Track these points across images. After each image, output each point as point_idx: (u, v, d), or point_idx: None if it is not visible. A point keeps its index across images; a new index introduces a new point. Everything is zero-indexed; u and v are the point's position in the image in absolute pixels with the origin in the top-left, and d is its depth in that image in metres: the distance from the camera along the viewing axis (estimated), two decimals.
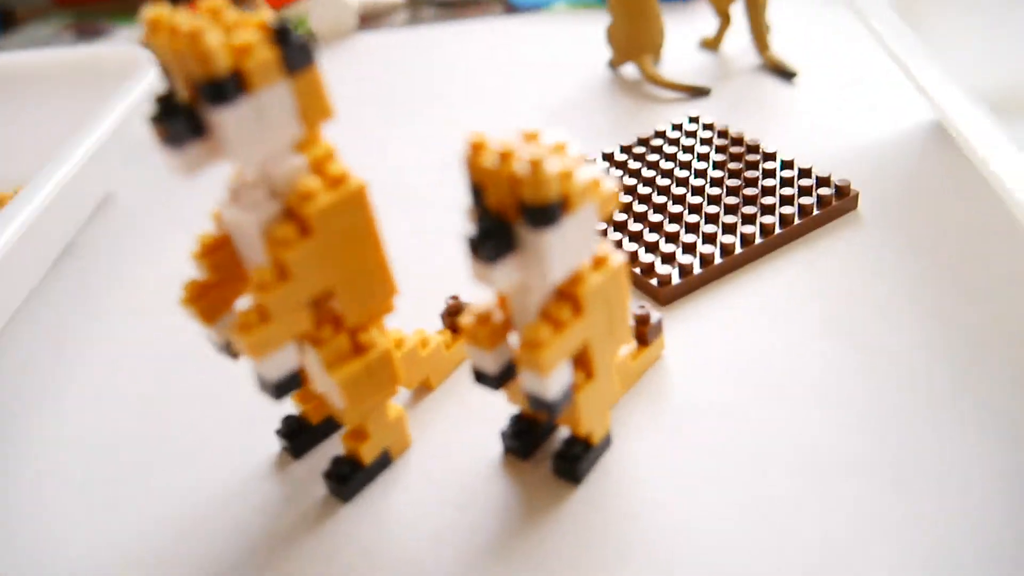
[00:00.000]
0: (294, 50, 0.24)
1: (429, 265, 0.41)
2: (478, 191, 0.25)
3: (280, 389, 0.26)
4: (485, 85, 0.59)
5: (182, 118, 0.23)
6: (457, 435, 0.32)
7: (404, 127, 0.55)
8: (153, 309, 0.41)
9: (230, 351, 0.29)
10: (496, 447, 0.31)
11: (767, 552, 0.26)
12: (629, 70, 0.58)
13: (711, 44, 0.58)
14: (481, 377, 0.28)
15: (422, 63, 0.64)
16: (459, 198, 0.46)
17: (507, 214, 0.24)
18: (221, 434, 0.34)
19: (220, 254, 0.27)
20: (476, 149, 0.24)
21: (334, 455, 0.31)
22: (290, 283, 0.25)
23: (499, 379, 0.27)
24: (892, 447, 0.29)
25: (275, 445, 0.33)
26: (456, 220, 0.44)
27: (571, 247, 0.25)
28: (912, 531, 0.26)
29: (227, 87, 0.23)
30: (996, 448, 0.28)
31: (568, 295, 0.26)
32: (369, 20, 0.74)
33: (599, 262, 0.26)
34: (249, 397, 0.35)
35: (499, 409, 0.33)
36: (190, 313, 0.27)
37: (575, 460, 0.29)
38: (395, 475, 0.31)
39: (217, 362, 0.37)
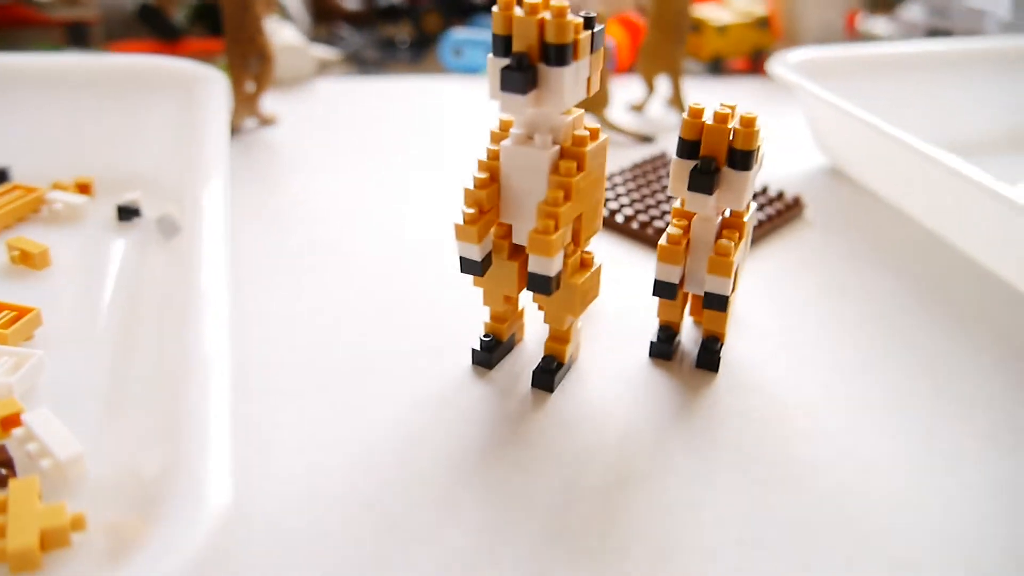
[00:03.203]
0: (596, 35, 0.34)
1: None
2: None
3: (553, 283, 0.35)
4: (445, 131, 0.69)
5: (531, 73, 0.33)
6: (606, 345, 0.42)
7: (363, 164, 0.64)
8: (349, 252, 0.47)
9: (482, 268, 0.37)
10: (640, 356, 0.42)
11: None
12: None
13: (637, 107, 0.74)
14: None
15: (378, 109, 0.73)
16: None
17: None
18: (416, 361, 0.41)
19: (488, 190, 0.36)
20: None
21: (542, 357, 0.39)
22: (572, 203, 0.35)
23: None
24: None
25: (465, 362, 0.40)
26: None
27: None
28: None
29: (568, 52, 0.32)
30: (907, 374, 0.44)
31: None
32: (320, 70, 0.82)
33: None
34: (429, 328, 0.42)
35: (630, 323, 0.43)
36: (470, 234, 0.35)
37: (717, 352, 0.40)
38: (577, 376, 0.40)
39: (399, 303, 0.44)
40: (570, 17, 0.32)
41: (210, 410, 0.28)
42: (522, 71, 0.32)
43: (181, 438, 0.27)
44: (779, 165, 0.65)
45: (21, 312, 0.38)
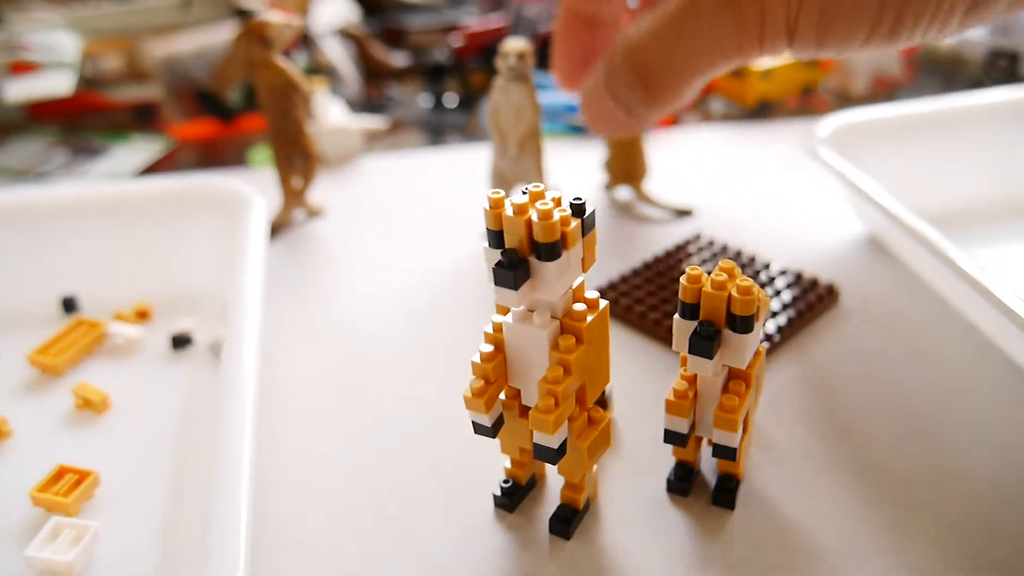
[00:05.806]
0: (587, 220, 0.35)
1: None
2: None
3: (557, 453, 0.37)
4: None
5: (523, 267, 0.34)
6: (622, 485, 0.43)
7: (417, 238, 0.66)
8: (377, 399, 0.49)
9: (493, 432, 0.38)
10: (658, 490, 0.43)
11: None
12: (621, 192, 0.72)
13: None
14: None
15: (424, 183, 0.75)
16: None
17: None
18: (441, 500, 0.43)
19: (493, 363, 0.38)
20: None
21: (558, 503, 0.41)
22: (572, 377, 0.36)
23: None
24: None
25: (487, 505, 0.42)
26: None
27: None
28: None
29: (558, 247, 0.34)
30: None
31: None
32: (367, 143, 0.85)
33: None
34: (452, 473, 0.44)
35: (647, 448, 0.44)
36: (478, 405, 0.37)
37: (732, 491, 0.41)
38: (595, 517, 0.41)
39: (422, 445, 0.46)
40: (558, 210, 0.34)
41: None
42: (512, 269, 0.34)
43: None
44: (817, 237, 0.64)
45: (82, 476, 0.42)
